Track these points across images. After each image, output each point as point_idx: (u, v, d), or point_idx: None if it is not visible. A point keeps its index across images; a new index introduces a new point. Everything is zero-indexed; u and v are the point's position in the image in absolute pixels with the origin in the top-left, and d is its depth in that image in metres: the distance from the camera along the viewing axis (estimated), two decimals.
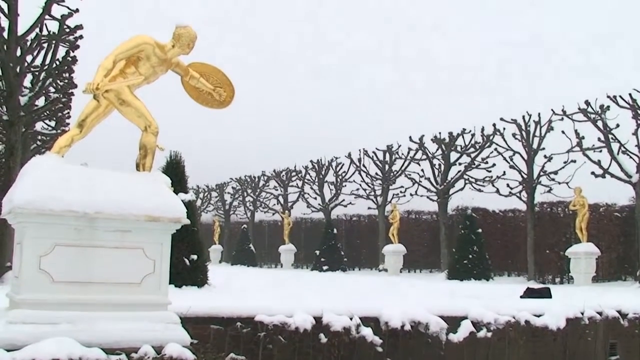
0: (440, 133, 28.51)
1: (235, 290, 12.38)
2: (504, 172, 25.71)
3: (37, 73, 14.75)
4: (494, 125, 26.02)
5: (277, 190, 40.54)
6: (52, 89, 15.87)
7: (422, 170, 29.28)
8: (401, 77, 77.13)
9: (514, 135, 24.93)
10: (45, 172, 5.80)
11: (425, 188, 28.84)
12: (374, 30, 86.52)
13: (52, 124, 17.98)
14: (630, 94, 21.30)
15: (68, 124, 17.85)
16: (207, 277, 12.37)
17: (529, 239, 23.76)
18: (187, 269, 11.68)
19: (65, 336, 5.35)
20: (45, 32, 14.72)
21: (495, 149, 25.93)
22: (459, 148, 28.07)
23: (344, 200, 34.77)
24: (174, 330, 5.94)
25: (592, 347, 9.92)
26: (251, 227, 40.67)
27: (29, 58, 14.70)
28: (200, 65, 6.97)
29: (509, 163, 25.04)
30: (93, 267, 5.75)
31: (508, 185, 25.28)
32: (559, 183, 24.08)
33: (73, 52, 15.53)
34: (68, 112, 17.94)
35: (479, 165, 27.26)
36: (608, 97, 21.85)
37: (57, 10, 14.58)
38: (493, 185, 26.21)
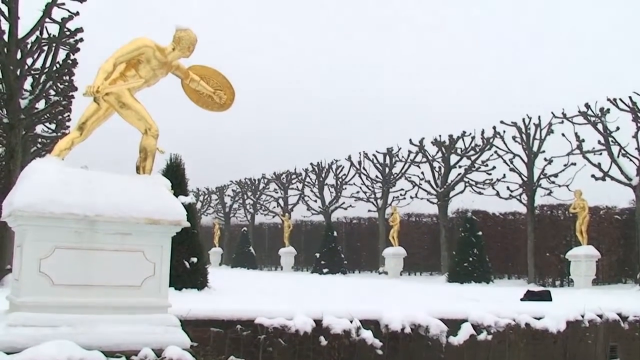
0: (440, 136, 28.58)
1: (235, 293, 12.37)
2: (504, 174, 25.74)
3: (37, 76, 14.77)
4: (494, 127, 26.07)
5: (277, 192, 40.55)
6: (52, 92, 15.88)
7: (422, 172, 29.36)
8: (401, 78, 77.18)
9: (514, 138, 24.95)
10: (45, 175, 5.79)
11: (426, 191, 28.88)
12: (374, 30, 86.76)
13: (53, 126, 17.95)
14: (630, 97, 21.36)
15: (68, 126, 17.84)
16: (207, 279, 12.37)
17: (529, 241, 23.75)
18: (187, 272, 11.69)
19: (66, 339, 5.34)
20: (45, 35, 14.73)
21: (496, 152, 25.97)
22: (459, 151, 28.09)
23: (344, 202, 34.83)
24: (174, 333, 5.94)
25: (592, 349, 9.92)
26: (251, 229, 40.65)
27: (29, 61, 14.71)
28: (200, 68, 6.96)
29: (509, 166, 25.07)
30: (93, 269, 5.74)
31: (508, 188, 25.32)
32: (559, 186, 24.12)
33: (73, 55, 15.54)
34: (68, 115, 17.96)
35: (479, 167, 27.26)
36: (608, 99, 21.90)
37: (57, 13, 14.61)
38: (493, 188, 26.21)
